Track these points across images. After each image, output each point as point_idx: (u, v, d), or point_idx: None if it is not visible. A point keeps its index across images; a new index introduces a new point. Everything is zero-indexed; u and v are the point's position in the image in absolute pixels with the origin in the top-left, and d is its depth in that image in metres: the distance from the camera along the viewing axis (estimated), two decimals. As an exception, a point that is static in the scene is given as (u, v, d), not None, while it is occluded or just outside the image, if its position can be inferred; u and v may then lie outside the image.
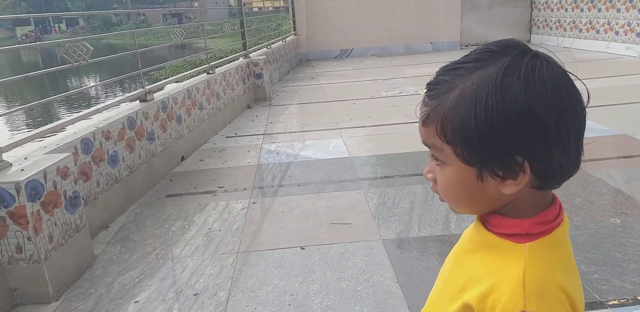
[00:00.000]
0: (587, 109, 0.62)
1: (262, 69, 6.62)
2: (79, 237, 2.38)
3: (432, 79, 0.63)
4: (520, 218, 0.62)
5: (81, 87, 11.54)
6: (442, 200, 0.67)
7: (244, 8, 6.88)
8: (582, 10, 9.77)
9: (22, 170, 2.11)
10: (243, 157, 4.18)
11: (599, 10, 9.23)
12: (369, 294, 2.05)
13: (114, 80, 4.66)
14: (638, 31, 8.26)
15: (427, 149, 0.65)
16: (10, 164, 2.19)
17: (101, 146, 2.94)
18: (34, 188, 2.06)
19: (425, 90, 0.63)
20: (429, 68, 6.29)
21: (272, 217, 2.92)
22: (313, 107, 6.25)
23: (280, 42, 9.40)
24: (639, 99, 5.19)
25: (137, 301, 2.11)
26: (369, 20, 11.46)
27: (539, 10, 11.34)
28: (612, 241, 2.34)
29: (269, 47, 8.23)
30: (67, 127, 2.90)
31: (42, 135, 2.55)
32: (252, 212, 3.00)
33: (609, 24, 8.97)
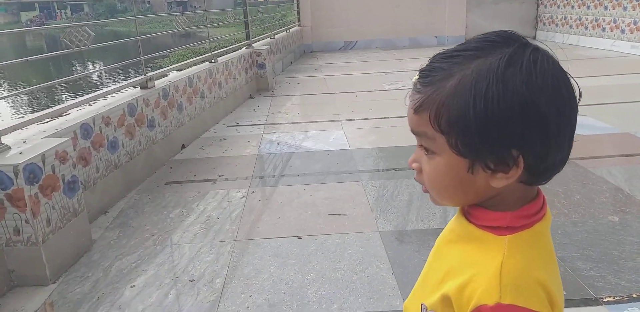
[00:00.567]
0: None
1: (265, 59, 6.59)
2: (77, 222, 2.38)
3: (426, 65, 0.61)
4: (503, 211, 0.61)
5: (84, 73, 11.52)
6: (425, 191, 0.66)
7: (249, -3, 6.84)
8: (588, 7, 9.70)
9: (20, 153, 2.11)
10: (243, 147, 4.18)
11: (605, 8, 9.16)
12: (364, 284, 2.05)
13: (113, 66, 4.64)
14: (645, 30, 8.20)
15: None
16: (9, 147, 2.19)
17: (101, 132, 2.93)
18: (32, 171, 2.06)
19: (418, 77, 0.61)
20: (433, 62, 6.25)
21: (271, 206, 2.92)
22: (315, 98, 6.23)
23: (284, 32, 9.35)
24: (642, 97, 5.16)
25: (134, 286, 2.12)
26: (374, 12, 11.39)
27: (545, 6, 11.26)
28: (609, 238, 2.34)
29: (272, 37, 8.19)
30: (68, 112, 2.90)
31: (41, 120, 2.55)
32: (251, 201, 3.00)
33: (615, 22, 8.90)
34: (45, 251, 2.14)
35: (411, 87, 0.62)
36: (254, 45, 6.87)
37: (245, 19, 6.66)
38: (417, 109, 0.60)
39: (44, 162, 2.14)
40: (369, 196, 2.98)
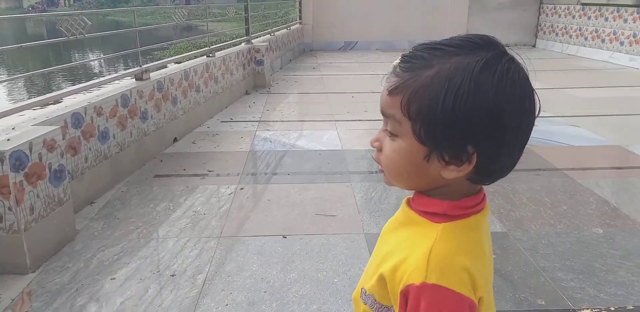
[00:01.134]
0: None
1: (263, 56, 6.57)
2: (62, 211, 2.37)
3: (409, 52, 0.64)
4: (442, 200, 0.65)
5: (78, 62, 11.44)
6: (381, 171, 0.69)
7: (251, -7, 6.81)
8: (589, 18, 9.74)
9: (7, 140, 2.09)
10: (236, 143, 4.17)
11: (606, 19, 9.20)
12: (345, 286, 2.05)
13: (107, 57, 4.63)
14: (643, 43, 8.25)
15: None
16: (-3, 133, 2.17)
17: (92, 122, 2.92)
18: (18, 159, 2.04)
19: (399, 61, 0.63)
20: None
21: (258, 204, 2.91)
22: (311, 97, 6.23)
23: (285, 30, 9.33)
24: (636, 111, 5.19)
25: (114, 278, 2.11)
26: (376, 14, 11.38)
27: (547, 15, 11.29)
28: (592, 250, 2.35)
29: (272, 34, 8.17)
30: (62, 100, 2.88)
31: (31, 107, 2.53)
32: (239, 198, 2.99)
33: (614, 33, 8.95)
34: (27, 239, 2.12)
35: (391, 69, 0.65)
36: (253, 41, 6.85)
37: (246, 15, 6.64)
38: (392, 92, 0.63)
39: (30, 150, 2.13)
40: (357, 197, 2.98)
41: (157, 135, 3.85)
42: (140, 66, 3.68)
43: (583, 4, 9.91)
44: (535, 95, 0.62)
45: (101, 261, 2.26)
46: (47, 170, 2.24)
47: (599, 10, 9.44)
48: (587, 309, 1.91)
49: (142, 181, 3.29)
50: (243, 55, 6.23)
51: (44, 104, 2.72)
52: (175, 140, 4.19)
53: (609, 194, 3.05)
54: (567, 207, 2.83)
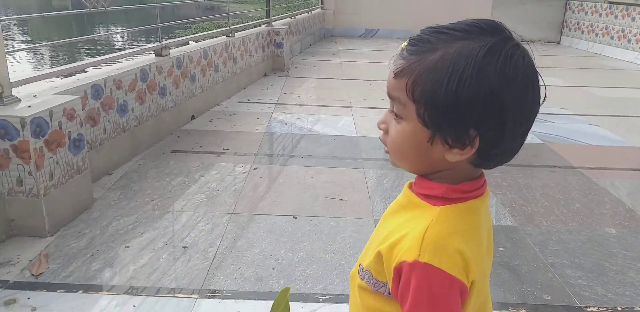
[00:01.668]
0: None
1: (282, 39, 6.54)
2: (80, 179, 2.41)
3: (416, 35, 0.64)
4: (441, 183, 0.66)
5: (93, 35, 11.47)
6: (386, 152, 0.70)
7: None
8: (616, 17, 9.52)
9: (29, 106, 2.13)
10: (252, 124, 4.18)
11: (633, 19, 8.99)
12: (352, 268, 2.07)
13: (128, 31, 4.65)
14: (671, 46, 8.06)
15: None
16: (19, 100, 2.21)
17: (111, 94, 2.94)
18: (38, 125, 2.08)
19: (407, 44, 0.64)
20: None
21: (271, 184, 2.94)
22: (329, 82, 6.20)
23: (306, 14, 9.26)
24: (658, 114, 5.10)
25: (128, 247, 2.16)
26: (399, 2, 11.24)
27: (573, 11, 11.06)
28: (603, 250, 2.34)
29: (293, 17, 8.11)
30: (87, 70, 2.90)
31: (52, 76, 2.55)
32: (252, 177, 3.02)
33: (642, 35, 8.75)
34: (46, 203, 2.17)
35: (398, 52, 0.66)
36: (273, 23, 6.81)
37: (268, -3, 6.59)
38: (398, 74, 0.64)
39: (51, 118, 2.16)
40: (369, 184, 2.99)
41: (175, 112, 3.87)
42: (160, 42, 3.69)
43: (610, 3, 9.69)
44: (540, 82, 0.62)
45: (116, 230, 2.30)
46: (66, 138, 2.28)
47: (627, 10, 9.23)
48: (594, 307, 1.91)
49: (159, 155, 3.33)
50: (263, 37, 6.20)
51: (65, 74, 2.74)
52: (193, 117, 4.22)
53: (625, 194, 3.02)
54: (580, 206, 2.82)
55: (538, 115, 0.64)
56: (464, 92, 0.58)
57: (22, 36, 14.68)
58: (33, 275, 1.89)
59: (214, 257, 2.11)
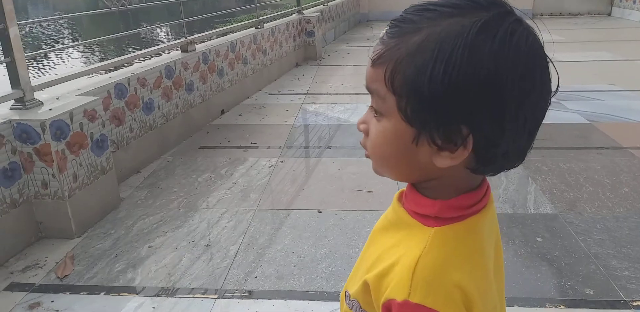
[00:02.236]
0: None
1: (314, 27, 6.44)
2: (105, 179, 2.44)
3: (399, 15, 0.53)
4: (434, 198, 0.55)
5: (132, 33, 11.69)
6: (367, 156, 0.58)
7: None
8: (676, -19, 8.78)
9: (50, 109, 2.15)
10: (281, 116, 4.14)
11: (697, -18, 8.25)
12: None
13: (152, 28, 4.67)
14: None
15: None
16: (42, 103, 2.24)
17: (136, 93, 2.96)
18: (59, 128, 2.10)
19: (388, 28, 0.53)
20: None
21: (297, 177, 2.88)
22: (362, 70, 5.96)
23: None
24: None
25: (151, 246, 2.16)
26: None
27: (627, -21, 10.29)
28: (654, 237, 2.14)
29: (325, 4, 7.97)
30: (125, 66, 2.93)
31: (75, 78, 2.58)
32: (279, 171, 2.97)
33: None
34: (71, 205, 2.21)
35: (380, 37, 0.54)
36: (304, 12, 6.71)
37: (297, -16, 6.49)
38: (375, 62, 0.53)
39: (71, 120, 2.18)
40: (399, 173, 2.87)
41: (204, 107, 3.88)
42: (185, 37, 3.68)
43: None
44: (551, 66, 0.50)
45: (141, 229, 2.32)
46: (88, 139, 2.30)
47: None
48: (641, 301, 1.75)
49: (187, 152, 3.35)
50: (293, 27, 6.12)
51: (89, 75, 2.78)
52: (222, 112, 4.22)
53: (681, 176, 2.76)
54: (629, 190, 2.60)
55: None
56: (453, 80, 0.47)
57: (73, 35, 15.34)
58: (58, 277, 1.93)
59: (236, 255, 2.08)
